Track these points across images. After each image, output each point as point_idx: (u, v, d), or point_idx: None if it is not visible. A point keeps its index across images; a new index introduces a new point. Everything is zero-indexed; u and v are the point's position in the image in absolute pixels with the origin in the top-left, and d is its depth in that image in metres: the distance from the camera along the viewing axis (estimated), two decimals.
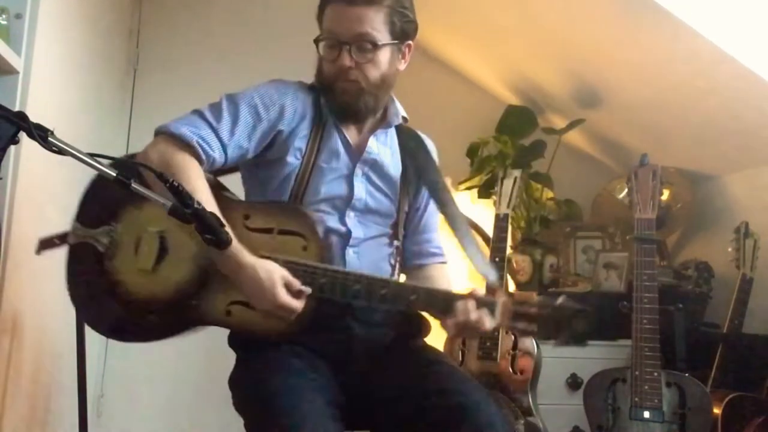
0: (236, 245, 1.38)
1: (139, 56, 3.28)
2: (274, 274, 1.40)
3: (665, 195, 2.90)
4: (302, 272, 1.44)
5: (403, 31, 1.57)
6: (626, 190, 2.44)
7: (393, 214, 1.66)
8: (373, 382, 1.52)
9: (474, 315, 1.44)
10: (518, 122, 3.27)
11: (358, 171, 1.60)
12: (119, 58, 3.13)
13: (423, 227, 1.74)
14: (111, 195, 1.49)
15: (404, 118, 1.70)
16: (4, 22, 1.88)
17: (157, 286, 1.50)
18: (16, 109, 1.49)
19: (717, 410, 2.26)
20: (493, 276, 1.62)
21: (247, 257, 1.42)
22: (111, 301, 1.53)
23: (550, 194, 3.27)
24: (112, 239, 1.53)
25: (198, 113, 1.53)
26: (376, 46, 1.53)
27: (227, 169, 1.63)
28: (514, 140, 3.22)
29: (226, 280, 1.45)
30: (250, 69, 3.09)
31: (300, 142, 1.57)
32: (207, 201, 1.36)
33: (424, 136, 1.76)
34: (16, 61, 1.89)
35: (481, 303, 1.46)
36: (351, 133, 1.62)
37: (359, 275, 1.47)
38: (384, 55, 1.56)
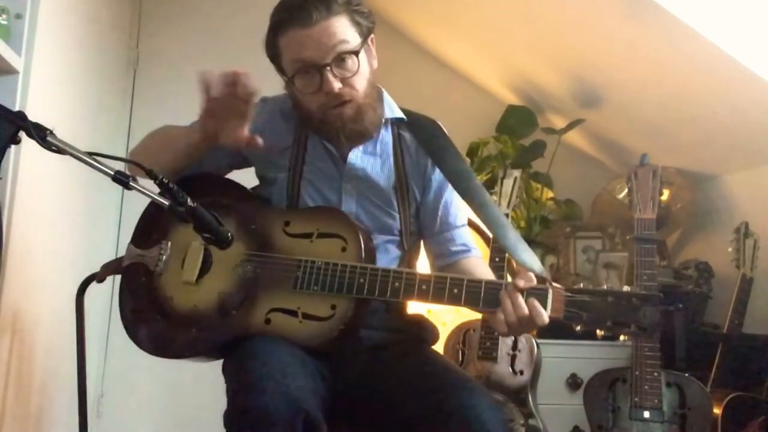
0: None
1: (139, 56, 3.27)
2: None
3: (665, 195, 2.90)
4: (339, 273, 1.38)
5: (368, 27, 1.47)
6: (626, 190, 2.44)
7: (394, 224, 1.58)
8: (365, 386, 1.48)
9: (525, 308, 1.28)
10: (518, 122, 3.28)
11: (346, 185, 1.54)
12: (119, 58, 3.13)
13: (440, 226, 1.62)
14: (163, 215, 1.49)
15: (396, 119, 1.59)
16: (4, 22, 1.88)
17: (200, 299, 1.48)
18: (16, 109, 1.50)
19: (717, 410, 2.26)
20: (538, 266, 1.44)
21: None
22: (159, 318, 1.50)
23: (550, 194, 3.27)
24: (162, 256, 1.51)
25: None
26: (356, 54, 1.42)
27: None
28: (514, 140, 3.23)
29: (266, 289, 1.43)
30: (250, 69, 3.09)
31: (282, 158, 1.55)
32: (179, 134, 1.52)
33: (432, 122, 1.62)
34: (16, 61, 1.89)
35: (530, 293, 1.29)
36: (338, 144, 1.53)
37: (399, 272, 1.38)
38: (363, 60, 1.45)
